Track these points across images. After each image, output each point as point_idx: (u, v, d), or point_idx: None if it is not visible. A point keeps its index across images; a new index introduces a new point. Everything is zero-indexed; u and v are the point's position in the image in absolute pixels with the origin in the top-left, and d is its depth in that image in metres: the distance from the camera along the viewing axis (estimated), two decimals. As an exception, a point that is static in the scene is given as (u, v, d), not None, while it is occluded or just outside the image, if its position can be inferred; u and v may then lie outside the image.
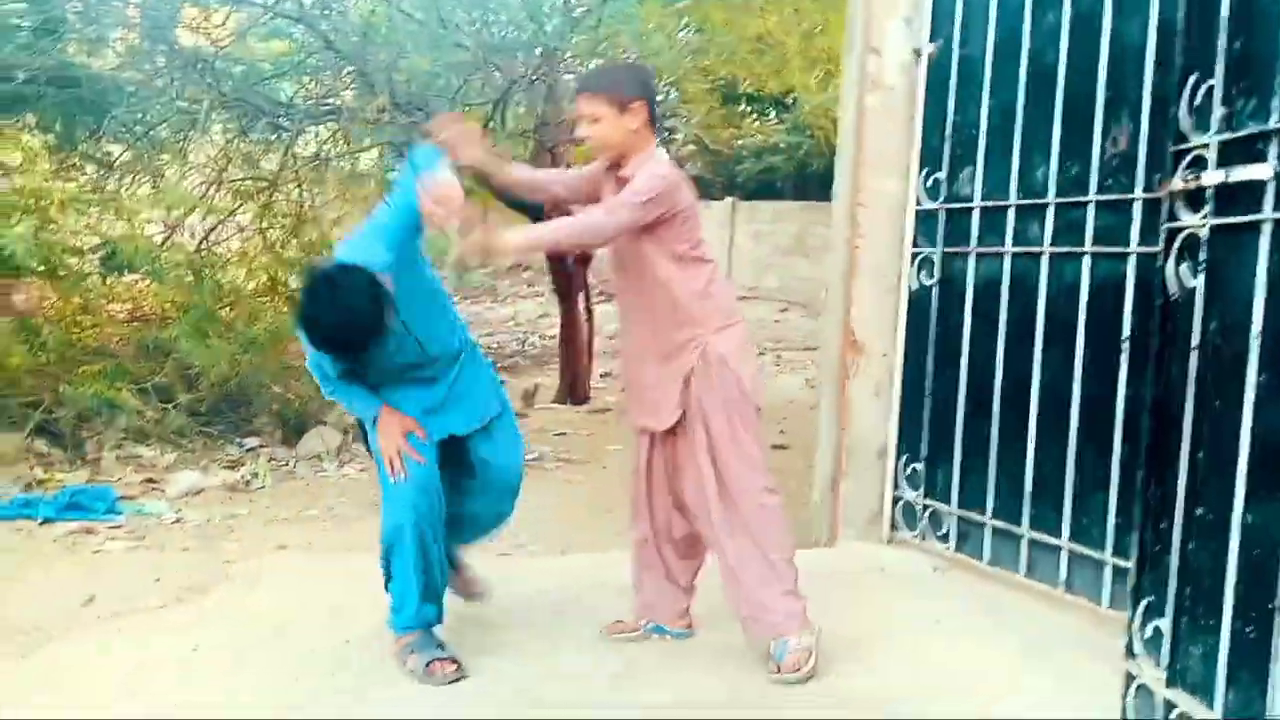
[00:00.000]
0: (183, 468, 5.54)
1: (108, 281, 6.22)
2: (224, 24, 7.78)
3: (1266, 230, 1.87)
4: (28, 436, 5.28)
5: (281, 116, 8.00)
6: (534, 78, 8.40)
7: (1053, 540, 3.21)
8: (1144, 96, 2.99)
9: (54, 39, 6.74)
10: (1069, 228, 3.21)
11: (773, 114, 15.53)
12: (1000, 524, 3.40)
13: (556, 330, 10.27)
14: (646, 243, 2.72)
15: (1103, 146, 3.11)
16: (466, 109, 8.39)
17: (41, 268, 5.48)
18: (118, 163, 7.75)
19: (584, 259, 9.77)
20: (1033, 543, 3.29)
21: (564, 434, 7.43)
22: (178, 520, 4.74)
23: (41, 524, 4.49)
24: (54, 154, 7.26)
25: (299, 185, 8.33)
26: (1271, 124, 1.87)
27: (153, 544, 4.38)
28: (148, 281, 6.22)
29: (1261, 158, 1.89)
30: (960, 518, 3.54)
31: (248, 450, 6.00)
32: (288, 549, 4.32)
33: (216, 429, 6.14)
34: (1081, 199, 3.16)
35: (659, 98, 9.81)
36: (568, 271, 9.54)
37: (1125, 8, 3.05)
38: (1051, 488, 3.21)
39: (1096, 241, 3.11)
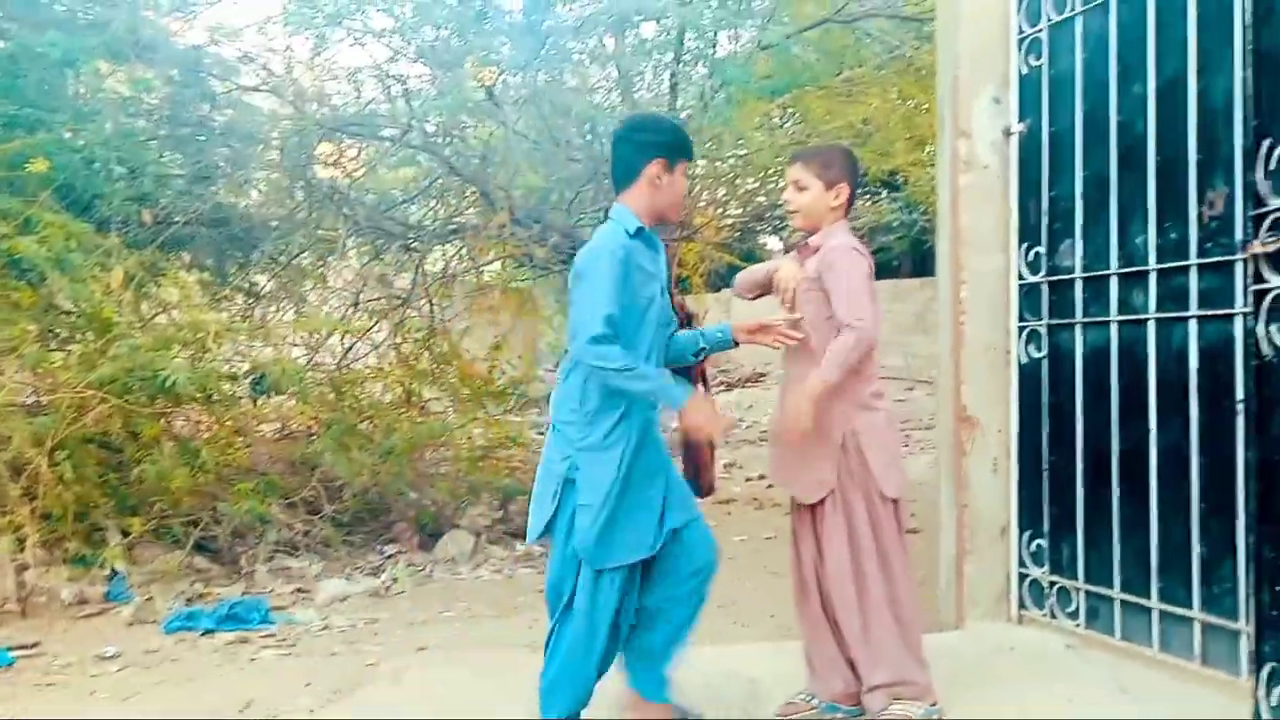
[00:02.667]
0: (329, 576, 5.82)
1: (258, 403, 6.67)
2: (356, 157, 8.43)
3: (1349, 287, 1.87)
4: (188, 553, 5.66)
5: (411, 238, 8.55)
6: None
7: (1184, 612, 3.10)
8: (1236, 157, 2.98)
9: (206, 184, 7.43)
10: (1173, 293, 3.19)
11: (884, 194, 15.58)
12: (1129, 597, 3.30)
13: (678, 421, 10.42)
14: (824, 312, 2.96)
15: (1199, 210, 3.10)
16: (580, 218, 8.79)
17: (199, 395, 5.93)
18: (264, 292, 8.38)
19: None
20: (1164, 615, 3.18)
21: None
22: (325, 627, 4.99)
23: (203, 635, 4.79)
24: (207, 288, 7.91)
25: (429, 301, 8.83)
26: (1344, 182, 1.89)
27: (303, 650, 4.62)
28: (294, 401, 6.64)
29: (1338, 216, 1.89)
30: (1088, 592, 3.46)
31: (388, 557, 6.27)
32: (427, 649, 4.49)
33: (359, 537, 6.44)
34: (1183, 263, 3.14)
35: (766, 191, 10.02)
36: (686, 361, 9.71)
37: (1209, 71, 3.07)
38: (1179, 558, 3.12)
39: (1201, 305, 3.08)
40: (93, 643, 4.59)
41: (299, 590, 5.63)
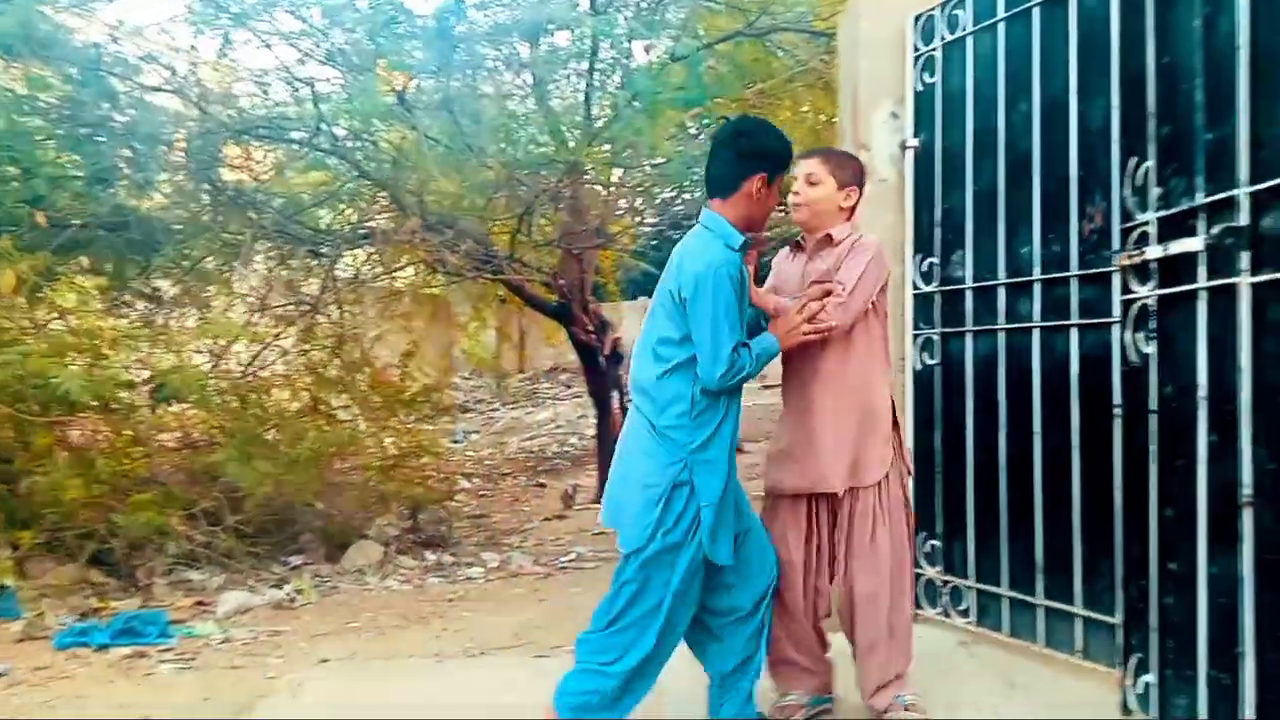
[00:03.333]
0: (231, 589, 5.70)
1: (157, 412, 6.50)
2: (263, 160, 8.26)
3: (1203, 298, 1.99)
4: (83, 567, 5.48)
5: (320, 243, 8.41)
6: (558, 190, 8.76)
7: (1067, 608, 3.24)
8: (1114, 175, 3.13)
9: (105, 185, 7.20)
10: (1056, 303, 3.33)
11: (797, 206, 15.83)
12: (1017, 595, 3.44)
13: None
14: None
15: (1080, 224, 3.25)
16: (493, 224, 8.76)
17: (95, 403, 5.75)
18: (167, 297, 8.15)
19: (616, 358, 9.98)
20: (1049, 611, 3.32)
21: (604, 533, 7.51)
22: (226, 640, 4.88)
23: (97, 650, 4.65)
24: (106, 293, 7.66)
25: (339, 307, 8.69)
26: (1198, 200, 2.01)
27: (202, 664, 4.51)
28: (196, 410, 6.48)
29: (1194, 232, 2.01)
30: (979, 591, 3.58)
31: (293, 568, 6.16)
32: (330, 661, 4.43)
33: (263, 548, 6.32)
34: (1065, 275, 3.28)
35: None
36: (601, 371, 9.75)
37: (1090, 93, 3.22)
38: (1062, 556, 3.26)
39: (1081, 314, 3.22)
40: (-23, 661, 4.43)
41: (199, 603, 5.50)
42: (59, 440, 5.68)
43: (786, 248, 3.17)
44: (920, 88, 3.87)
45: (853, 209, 3.02)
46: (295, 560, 6.28)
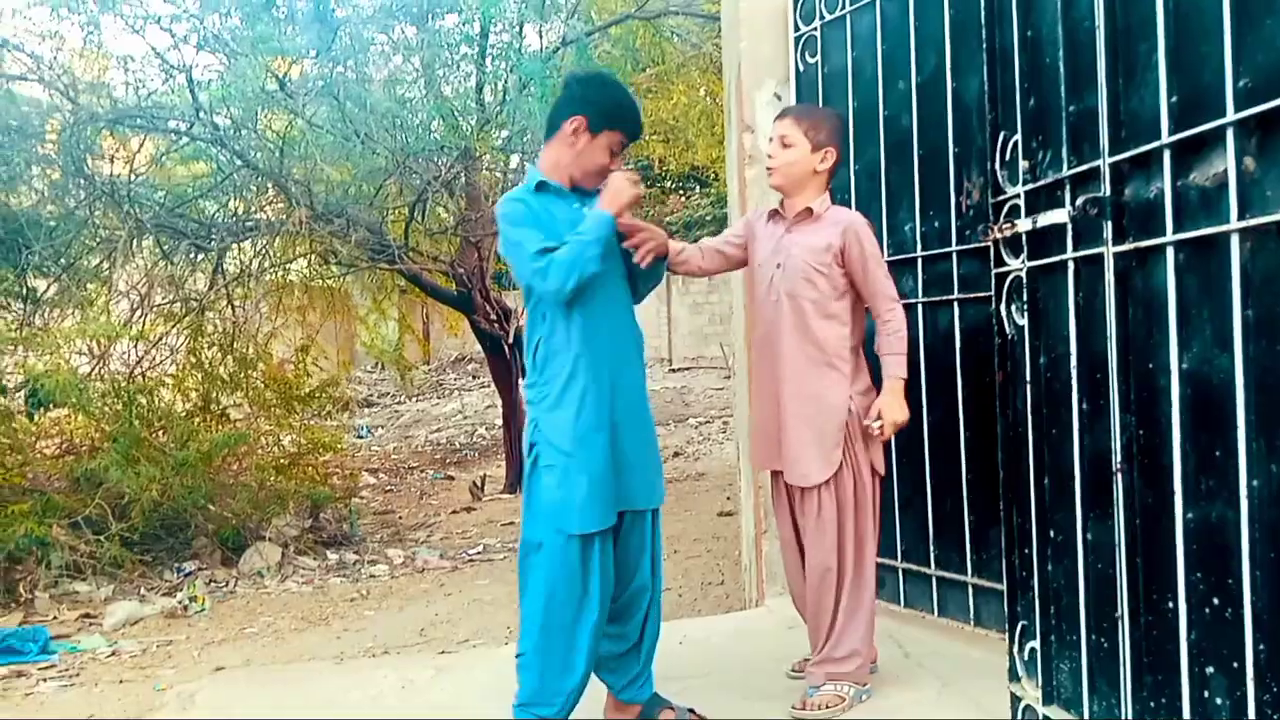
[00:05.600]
0: (120, 599, 5.48)
1: (34, 418, 6.19)
2: (139, 151, 7.92)
3: (1070, 269, 2.03)
4: (-43, 582, 5.22)
5: (204, 236, 8.11)
6: (452, 176, 8.61)
7: (958, 577, 3.31)
8: (987, 150, 3.18)
9: (-34, 182, 6.82)
10: (938, 278, 3.38)
11: (696, 189, 15.92)
12: (911, 566, 3.50)
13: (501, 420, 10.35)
14: (818, 288, 2.82)
15: (958, 200, 3.30)
16: (388, 213, 8.57)
17: (-36, 410, 5.47)
18: (43, 297, 7.77)
19: (519, 345, 9.89)
20: (940, 580, 3.39)
21: (513, 523, 7.45)
22: (114, 653, 4.69)
23: (-28, 671, 4.42)
24: (-24, 295, 7.27)
25: (229, 302, 8.41)
26: (1064, 173, 2.04)
27: (87, 680, 4.33)
28: (76, 414, 6.20)
29: (1060, 204, 2.05)
30: (876, 565, 3.63)
31: (186, 574, 5.95)
32: (224, 669, 4.29)
33: (153, 555, 6.09)
34: (945, 250, 3.33)
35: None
36: (506, 359, 9.65)
37: (961, 71, 3.27)
38: (952, 527, 3.33)
39: (961, 289, 3.28)
40: None
41: (86, 615, 5.28)
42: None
43: (763, 210, 3.05)
44: (802, 67, 3.88)
45: (830, 172, 2.92)
46: (189, 566, 6.07)
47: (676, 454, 10.53)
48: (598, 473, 2.55)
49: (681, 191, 16.48)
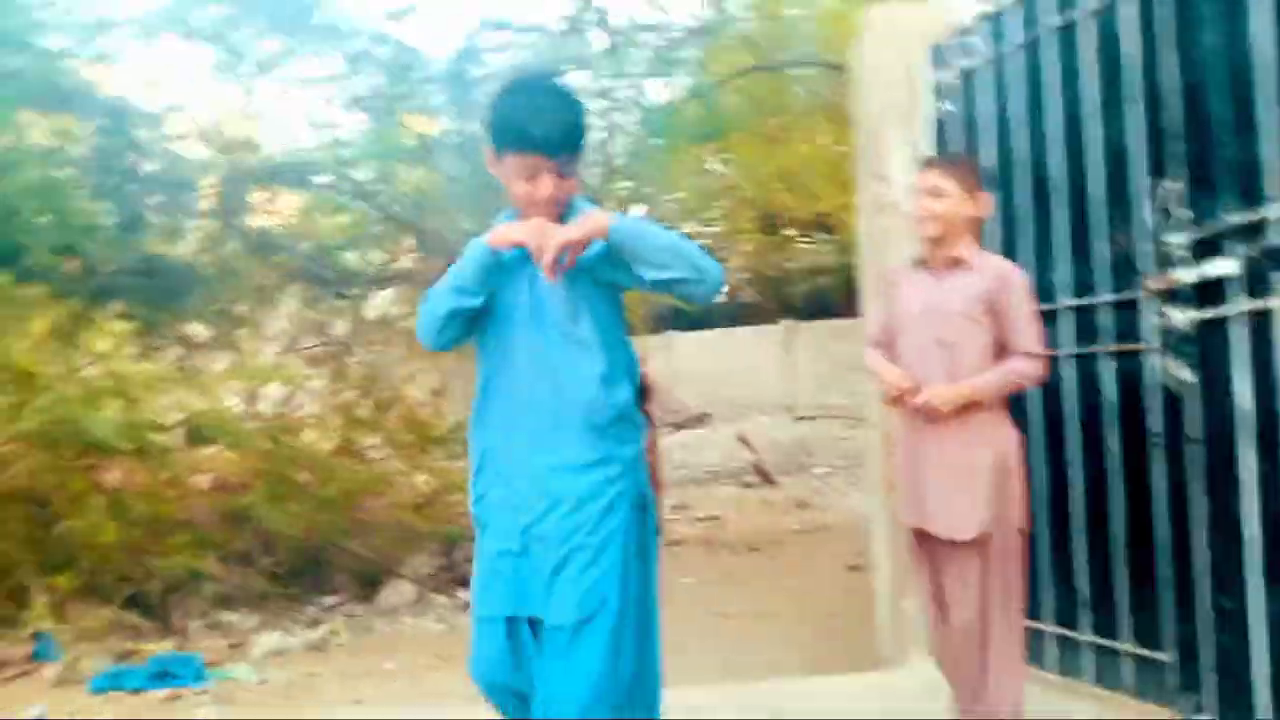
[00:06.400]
0: (266, 630, 5.71)
1: (191, 455, 6.55)
2: (289, 204, 8.39)
3: (1242, 322, 1.97)
4: (118, 610, 5.51)
5: (349, 285, 8.51)
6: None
7: (1114, 645, 3.17)
8: (1139, 197, 3.09)
9: (135, 232, 7.32)
10: (1086, 329, 3.28)
11: (820, 237, 15.87)
12: (1062, 631, 3.36)
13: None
14: (972, 336, 2.78)
15: (1110, 248, 3.21)
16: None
17: (129, 447, 5.80)
18: (198, 341, 8.24)
19: (649, 392, 9.96)
20: (1097, 648, 3.24)
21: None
22: (262, 682, 4.89)
23: (132, 694, 4.66)
24: (140, 338, 7.76)
25: (368, 347, 8.77)
26: (1230, 222, 1.99)
27: (238, 707, 4.52)
28: (228, 452, 6.53)
29: (1227, 254, 1.99)
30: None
31: (327, 609, 6.16)
32: (363, 703, 4.42)
33: (297, 589, 6.33)
34: (1093, 300, 3.24)
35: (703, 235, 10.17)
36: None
37: (1110, 116, 3.18)
38: (1108, 590, 3.20)
39: (1113, 340, 3.17)
40: (11, 708, 4.44)
41: (234, 645, 5.51)
42: (94, 484, 5.73)
43: (898, 265, 3.00)
44: (940, 115, 3.87)
45: (981, 219, 2.87)
46: (329, 600, 6.29)
47: (800, 505, 10.42)
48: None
49: (803, 238, 16.45)
